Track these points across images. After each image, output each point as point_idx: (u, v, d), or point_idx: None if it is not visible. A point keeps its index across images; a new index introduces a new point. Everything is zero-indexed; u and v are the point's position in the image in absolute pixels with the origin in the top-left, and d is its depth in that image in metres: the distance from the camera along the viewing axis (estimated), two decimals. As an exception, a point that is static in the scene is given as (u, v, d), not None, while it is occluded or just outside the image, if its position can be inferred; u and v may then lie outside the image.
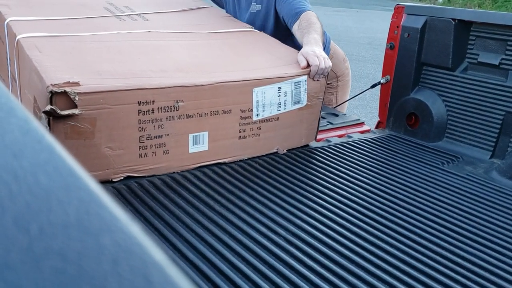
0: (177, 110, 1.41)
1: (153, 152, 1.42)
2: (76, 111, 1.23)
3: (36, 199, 0.19)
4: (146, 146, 1.40)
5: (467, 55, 2.03)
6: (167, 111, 1.39)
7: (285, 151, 1.75)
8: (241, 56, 1.73)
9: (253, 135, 1.63)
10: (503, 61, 1.91)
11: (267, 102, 1.61)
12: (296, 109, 1.71)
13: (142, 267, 0.16)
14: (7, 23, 1.63)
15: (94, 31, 1.66)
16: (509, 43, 1.89)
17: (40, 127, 0.27)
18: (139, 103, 1.34)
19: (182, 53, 1.65)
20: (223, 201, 1.35)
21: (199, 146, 1.51)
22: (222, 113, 1.52)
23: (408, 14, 2.14)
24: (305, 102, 1.73)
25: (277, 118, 1.67)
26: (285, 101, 1.66)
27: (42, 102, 1.25)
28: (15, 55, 1.54)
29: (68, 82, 1.22)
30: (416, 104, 2.13)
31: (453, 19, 2.00)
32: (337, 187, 1.53)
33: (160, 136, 1.41)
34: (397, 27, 2.16)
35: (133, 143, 1.37)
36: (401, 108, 2.18)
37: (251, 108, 1.58)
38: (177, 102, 1.40)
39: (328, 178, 1.59)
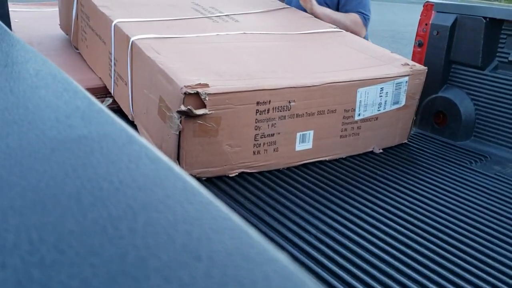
0: (289, 110, 1.48)
1: (265, 150, 1.49)
2: (207, 111, 1.32)
3: (192, 227, 0.22)
4: (260, 144, 1.48)
5: (498, 54, 2.02)
6: (280, 111, 1.46)
7: (381, 150, 1.78)
8: (339, 56, 1.77)
9: (353, 134, 1.67)
10: (534, 61, 1.91)
11: (369, 102, 1.65)
12: (394, 109, 1.74)
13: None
14: (114, 25, 1.71)
15: (196, 33, 1.74)
16: (541, 43, 1.88)
17: (162, 154, 0.30)
18: (257, 103, 1.41)
19: (283, 54, 1.72)
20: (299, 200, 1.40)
21: (304, 144, 1.57)
22: (327, 113, 1.57)
23: (438, 11, 2.13)
24: (403, 103, 1.75)
25: (376, 118, 1.71)
26: (385, 101, 1.70)
27: (172, 102, 1.33)
28: (128, 56, 1.61)
29: (200, 84, 1.31)
30: (444, 102, 2.13)
31: (484, 17, 2.00)
32: (362, 184, 1.56)
33: (272, 135, 1.48)
34: (426, 24, 2.16)
35: (249, 141, 1.45)
36: (429, 106, 2.19)
37: (354, 108, 1.62)
38: (289, 102, 1.46)
39: (353, 176, 1.61)
